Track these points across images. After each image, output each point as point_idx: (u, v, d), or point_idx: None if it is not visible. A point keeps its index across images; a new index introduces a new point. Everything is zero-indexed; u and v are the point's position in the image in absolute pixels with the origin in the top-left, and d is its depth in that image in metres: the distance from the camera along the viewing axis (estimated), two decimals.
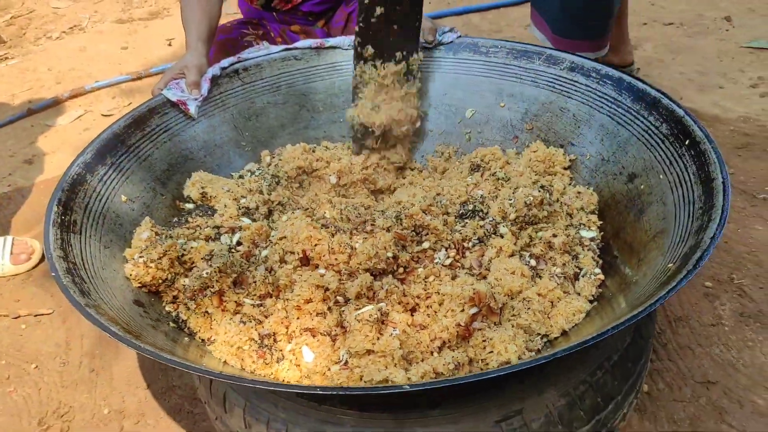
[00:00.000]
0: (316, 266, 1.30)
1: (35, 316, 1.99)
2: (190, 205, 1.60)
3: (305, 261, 1.32)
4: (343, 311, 1.22)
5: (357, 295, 1.21)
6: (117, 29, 3.81)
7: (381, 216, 1.37)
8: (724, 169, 1.23)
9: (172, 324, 1.27)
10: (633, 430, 1.48)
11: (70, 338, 1.90)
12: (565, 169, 1.62)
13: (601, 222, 1.49)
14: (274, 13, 2.32)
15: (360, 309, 1.18)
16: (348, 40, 1.89)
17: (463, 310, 1.17)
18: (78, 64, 3.44)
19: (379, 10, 1.63)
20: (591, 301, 1.30)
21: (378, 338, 1.14)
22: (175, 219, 1.57)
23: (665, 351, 1.62)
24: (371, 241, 1.28)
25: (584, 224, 1.47)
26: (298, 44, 1.90)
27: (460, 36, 1.87)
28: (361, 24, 1.66)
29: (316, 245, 1.31)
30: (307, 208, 1.56)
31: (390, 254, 1.27)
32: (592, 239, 1.44)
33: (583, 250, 1.40)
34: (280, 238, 1.39)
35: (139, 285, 1.32)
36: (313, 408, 1.21)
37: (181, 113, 1.70)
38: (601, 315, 1.25)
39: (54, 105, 3.09)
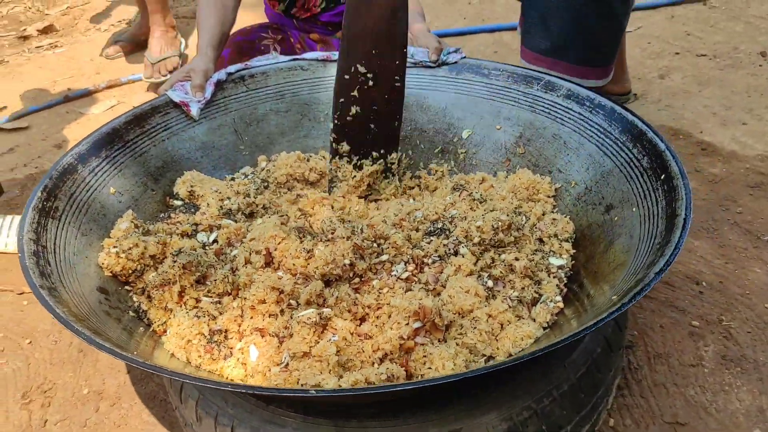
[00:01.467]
0: (277, 268, 1.34)
1: None
2: (178, 202, 1.66)
3: (269, 260, 1.35)
4: (293, 314, 1.24)
5: (306, 301, 1.23)
6: None
7: (341, 225, 1.39)
8: (689, 207, 1.21)
9: (132, 313, 1.32)
10: None
11: None
12: (548, 196, 1.61)
13: (575, 250, 1.48)
14: (295, 21, 2.38)
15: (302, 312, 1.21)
16: None
17: (407, 324, 1.18)
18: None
19: (354, 109, 1.61)
20: (545, 328, 1.29)
21: (317, 342, 1.17)
22: (162, 214, 1.62)
23: (638, 387, 1.59)
24: (330, 247, 1.30)
25: (555, 251, 1.46)
26: (305, 55, 1.95)
27: (464, 57, 1.88)
28: (336, 121, 1.63)
29: (279, 243, 1.35)
30: (283, 215, 1.59)
31: (347, 261, 1.29)
32: (560, 267, 1.43)
33: (548, 276, 1.40)
34: (251, 240, 1.43)
35: (111, 274, 1.37)
36: (260, 407, 1.24)
37: (182, 114, 1.75)
38: (549, 341, 1.24)
39: (90, 94, 3.22)
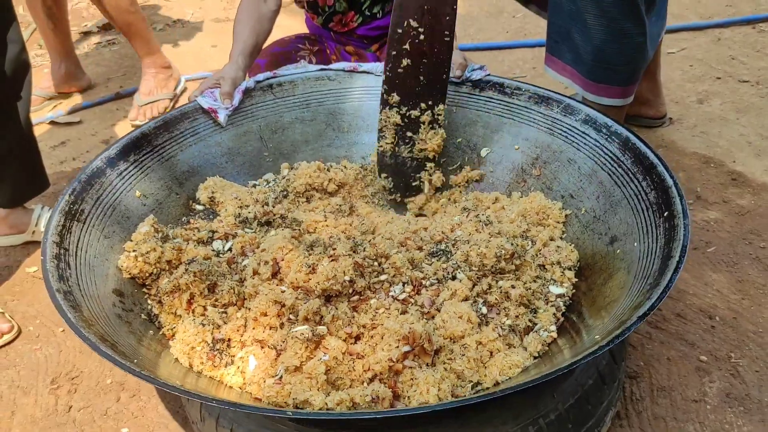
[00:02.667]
0: (282, 280, 1.39)
1: None
2: (199, 207, 1.74)
3: (275, 270, 1.41)
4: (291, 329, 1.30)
5: (304, 317, 1.28)
6: (212, 27, 4.07)
7: (339, 242, 1.44)
8: (684, 250, 1.21)
9: (144, 316, 1.40)
10: None
11: None
12: (558, 222, 1.62)
13: (577, 279, 1.49)
14: (332, 33, 2.44)
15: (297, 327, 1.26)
16: (381, 66, 1.97)
17: (397, 347, 1.22)
18: (170, 57, 3.68)
19: (405, 62, 1.70)
20: (536, 357, 1.32)
21: (309, 359, 1.22)
22: (185, 218, 1.71)
23: (638, 418, 1.59)
24: (332, 264, 1.35)
25: (556, 280, 1.47)
26: (333, 66, 2.00)
27: (488, 74, 1.91)
28: (388, 73, 1.74)
29: (286, 254, 1.40)
30: (296, 229, 1.64)
31: (347, 278, 1.34)
32: (559, 295, 1.44)
33: (546, 305, 1.41)
34: (262, 250, 1.49)
35: (129, 276, 1.46)
36: (257, 413, 1.31)
37: (210, 120, 1.83)
38: (538, 370, 1.27)
39: None
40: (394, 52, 1.71)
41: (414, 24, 1.66)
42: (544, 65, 2.22)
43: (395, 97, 1.77)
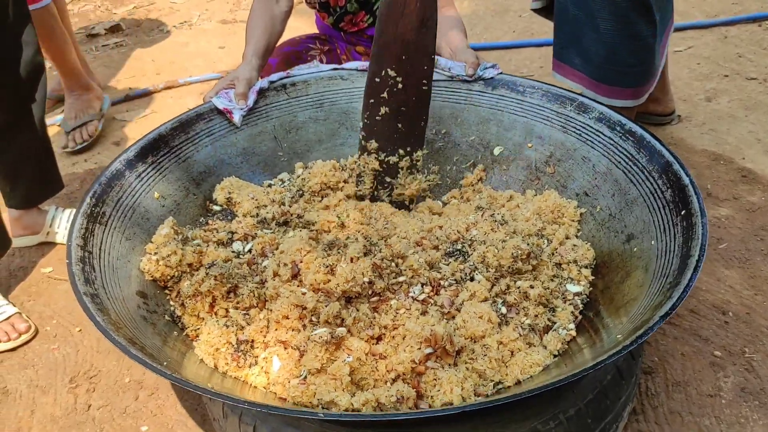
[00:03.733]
0: (302, 282, 1.41)
1: None
2: (217, 207, 1.75)
3: (295, 272, 1.42)
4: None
5: (325, 321, 1.30)
6: (219, 29, 4.08)
7: (354, 243, 1.45)
8: (703, 248, 1.22)
9: (167, 317, 1.42)
10: None
11: None
12: (573, 220, 1.63)
13: (593, 277, 1.51)
14: (342, 33, 2.45)
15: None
16: None
17: (419, 348, 1.24)
18: (178, 58, 3.73)
19: (383, 110, 1.71)
20: (556, 356, 1.33)
21: (332, 361, 1.23)
22: (202, 218, 1.72)
23: (654, 413, 1.60)
24: (351, 265, 1.37)
25: (573, 278, 1.49)
26: (345, 65, 2.02)
27: (501, 72, 1.92)
28: (366, 120, 1.74)
29: (305, 256, 1.42)
30: (314, 230, 1.65)
31: (366, 279, 1.36)
32: (576, 294, 1.46)
33: (563, 303, 1.43)
34: (281, 252, 1.50)
35: (151, 278, 1.47)
36: (280, 410, 1.32)
37: (225, 120, 1.85)
38: (560, 369, 1.28)
39: (149, 94, 3.37)
40: (372, 101, 1.71)
41: (392, 73, 1.66)
42: (552, 71, 2.23)
43: (373, 144, 1.76)
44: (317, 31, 2.56)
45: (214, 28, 4.11)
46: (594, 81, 2.08)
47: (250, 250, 1.58)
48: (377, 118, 1.72)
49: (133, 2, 4.64)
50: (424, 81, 1.69)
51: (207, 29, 4.09)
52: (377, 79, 1.69)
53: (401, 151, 1.77)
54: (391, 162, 1.78)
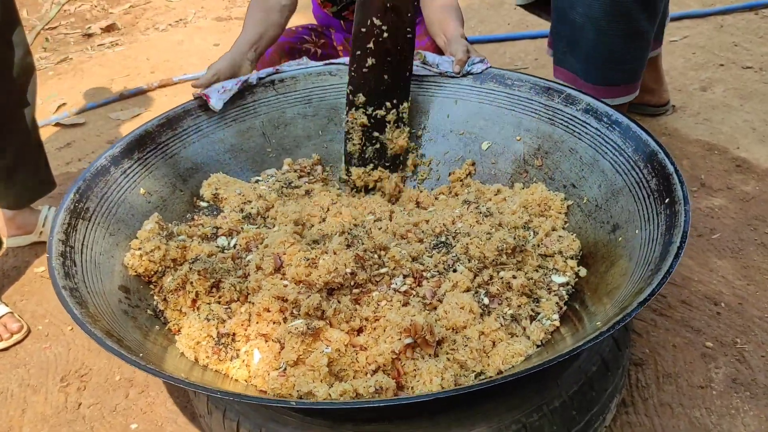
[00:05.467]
0: (285, 275, 1.40)
1: None
2: (204, 203, 1.75)
3: (278, 265, 1.42)
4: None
5: (305, 313, 1.29)
6: (214, 26, 4.08)
7: (339, 235, 1.44)
8: (685, 236, 1.21)
9: (150, 312, 1.42)
10: None
11: None
12: (560, 213, 1.62)
13: (579, 268, 1.50)
14: (342, 22, 2.43)
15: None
16: None
17: (400, 339, 1.23)
18: (173, 56, 3.73)
19: (370, 61, 1.73)
20: (539, 346, 1.32)
21: (310, 353, 1.23)
22: (189, 215, 1.72)
23: (644, 405, 1.59)
24: (333, 257, 1.36)
25: (558, 269, 1.48)
26: (334, 60, 2.01)
27: (489, 67, 1.91)
28: (353, 73, 1.76)
29: (288, 248, 1.41)
30: (299, 224, 1.65)
31: (349, 271, 1.35)
32: (562, 285, 1.45)
33: (548, 294, 1.42)
34: (265, 246, 1.50)
35: (135, 273, 1.47)
36: (263, 406, 1.32)
37: (213, 116, 1.83)
38: (541, 358, 1.27)
39: (144, 92, 3.38)
40: (359, 52, 1.73)
41: (377, 22, 1.69)
42: (553, 76, 2.21)
43: (361, 98, 1.79)
44: (314, 22, 2.54)
45: (209, 25, 4.11)
46: (594, 86, 2.07)
47: (234, 245, 1.58)
48: (364, 70, 1.74)
49: (129, 1, 4.65)
50: (408, 29, 1.71)
51: (202, 27, 4.10)
52: (363, 29, 1.71)
53: (388, 104, 1.80)
54: (378, 116, 1.81)
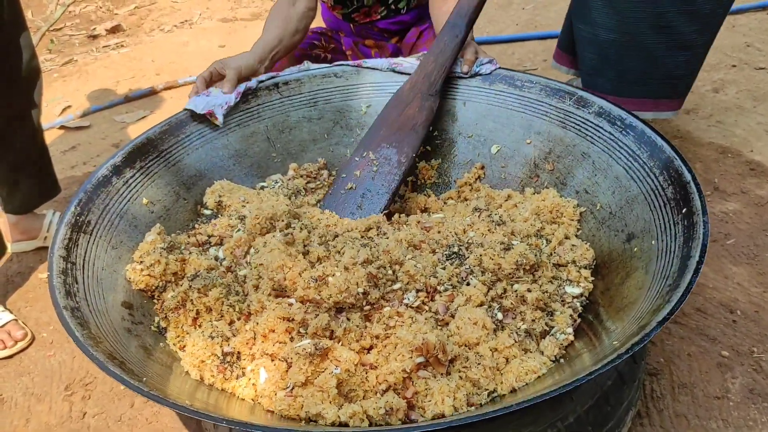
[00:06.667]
0: (289, 295, 1.36)
1: None
2: (208, 211, 1.72)
3: (280, 293, 1.38)
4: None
5: (313, 333, 1.26)
6: (220, 27, 4.05)
7: (354, 247, 1.40)
8: (704, 249, 1.17)
9: (154, 328, 1.39)
10: None
11: None
12: (572, 220, 1.59)
13: (593, 278, 1.46)
14: (352, 25, 2.40)
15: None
16: (386, 62, 1.93)
17: (411, 357, 1.20)
18: (178, 58, 3.71)
19: (350, 185, 1.76)
20: (554, 361, 1.28)
21: (319, 373, 1.19)
22: (192, 224, 1.69)
23: (659, 417, 1.56)
24: (345, 275, 1.32)
25: (572, 280, 1.44)
26: (340, 63, 1.98)
27: (498, 68, 1.87)
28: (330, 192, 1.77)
29: (288, 272, 1.37)
30: (288, 234, 1.60)
31: (361, 290, 1.31)
32: (575, 297, 1.41)
33: (562, 306, 1.38)
34: (260, 264, 1.44)
35: (138, 288, 1.44)
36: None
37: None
38: (557, 375, 1.24)
39: (149, 95, 3.35)
40: (344, 175, 1.76)
41: (372, 156, 1.75)
42: None
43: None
44: (323, 25, 2.51)
45: (214, 26, 4.08)
46: (628, 99, 2.04)
47: (231, 253, 1.54)
48: (341, 192, 1.75)
49: (135, 2, 4.62)
50: (402, 169, 1.75)
51: (207, 28, 4.07)
52: (357, 158, 1.78)
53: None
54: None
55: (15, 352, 1.99)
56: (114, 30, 4.21)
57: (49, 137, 3.05)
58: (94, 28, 4.24)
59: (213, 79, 1.85)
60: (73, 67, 3.80)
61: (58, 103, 3.37)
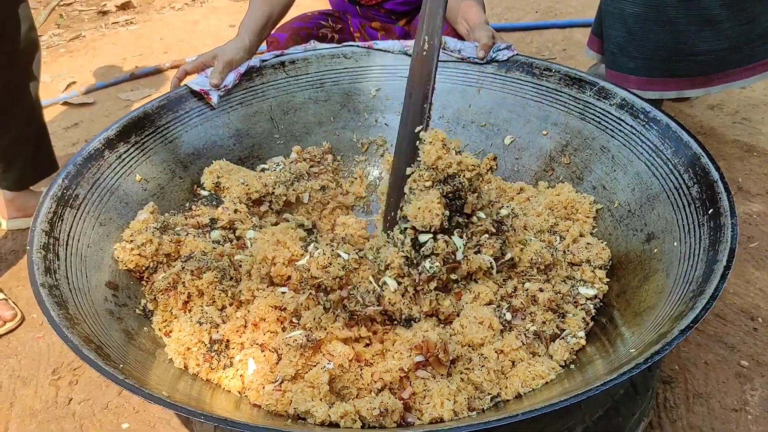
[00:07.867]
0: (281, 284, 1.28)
1: None
2: (205, 192, 1.64)
3: (269, 281, 1.30)
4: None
5: (305, 327, 1.18)
6: (231, 7, 3.96)
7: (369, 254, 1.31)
8: (732, 254, 1.08)
9: (139, 311, 1.31)
10: None
11: None
12: (588, 217, 1.49)
13: (608, 279, 1.36)
14: (358, 8, 2.32)
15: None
16: (398, 44, 1.84)
17: (410, 355, 1.11)
18: (187, 37, 3.62)
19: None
20: (564, 366, 1.20)
21: (310, 367, 1.11)
22: (188, 204, 1.61)
23: (672, 428, 1.47)
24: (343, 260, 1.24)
25: (586, 280, 1.34)
26: (350, 44, 1.89)
27: (515, 54, 1.77)
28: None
29: (274, 264, 1.29)
30: (301, 224, 1.53)
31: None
32: (589, 298, 1.31)
33: (575, 308, 1.29)
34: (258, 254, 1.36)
35: (126, 268, 1.36)
36: None
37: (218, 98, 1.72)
38: (567, 382, 1.15)
39: (155, 73, 3.28)
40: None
41: None
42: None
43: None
44: (330, 7, 2.43)
45: (225, 6, 3.99)
46: (649, 78, 1.96)
47: (231, 240, 1.46)
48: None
49: None
50: None
51: (218, 6, 3.98)
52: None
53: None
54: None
55: (3, 333, 1.92)
56: (124, 6, 4.13)
57: (52, 113, 2.98)
58: (105, 4, 4.16)
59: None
60: (81, 42, 3.72)
61: (63, 78, 3.30)
